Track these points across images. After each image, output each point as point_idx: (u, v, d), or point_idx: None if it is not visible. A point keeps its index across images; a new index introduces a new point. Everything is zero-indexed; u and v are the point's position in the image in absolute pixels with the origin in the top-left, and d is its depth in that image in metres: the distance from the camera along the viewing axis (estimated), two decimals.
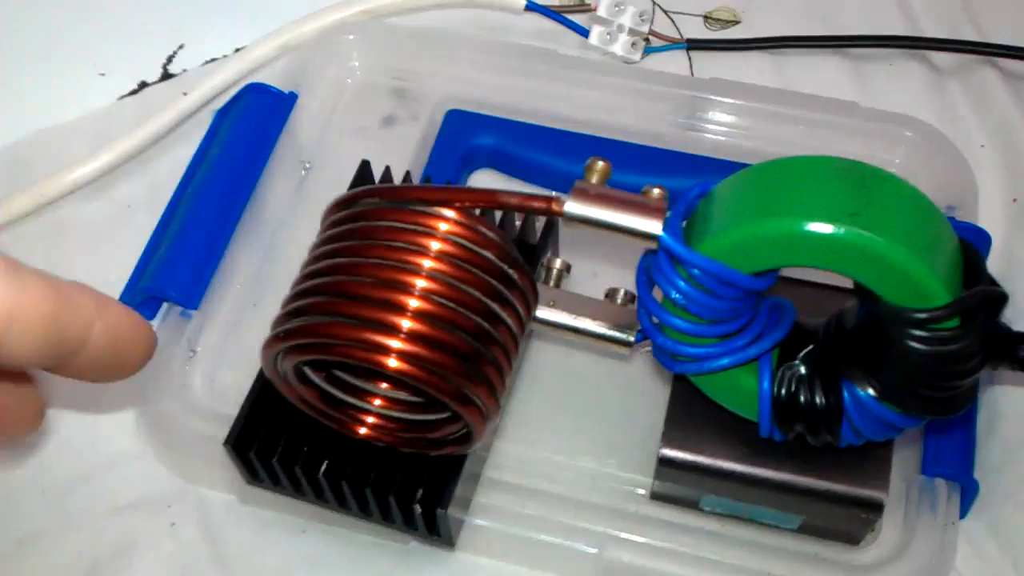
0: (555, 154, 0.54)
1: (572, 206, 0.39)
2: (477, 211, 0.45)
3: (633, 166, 0.53)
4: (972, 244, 0.37)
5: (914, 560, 0.44)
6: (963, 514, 0.47)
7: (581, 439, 0.48)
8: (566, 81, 0.56)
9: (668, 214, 0.38)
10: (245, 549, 0.47)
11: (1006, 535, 0.46)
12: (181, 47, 0.63)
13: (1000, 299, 0.36)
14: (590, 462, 0.47)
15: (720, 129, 0.55)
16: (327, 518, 0.46)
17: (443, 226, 0.38)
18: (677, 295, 0.37)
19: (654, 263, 0.38)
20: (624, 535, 0.44)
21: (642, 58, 0.61)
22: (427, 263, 0.37)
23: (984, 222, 0.52)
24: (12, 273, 0.24)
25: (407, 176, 0.48)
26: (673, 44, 0.61)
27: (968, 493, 0.46)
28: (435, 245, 0.38)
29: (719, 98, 0.56)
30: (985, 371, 0.49)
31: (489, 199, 0.39)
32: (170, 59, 0.63)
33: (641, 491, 0.46)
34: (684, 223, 0.39)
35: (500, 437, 0.47)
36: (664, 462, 0.43)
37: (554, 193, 0.39)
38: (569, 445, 0.47)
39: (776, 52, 0.61)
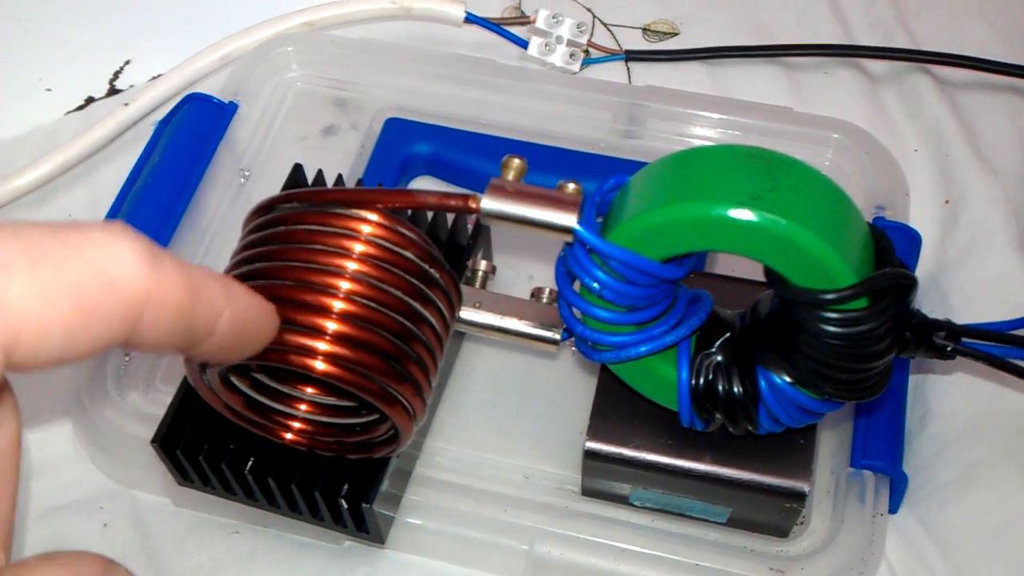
0: (493, 161, 0.54)
1: (488, 203, 0.39)
2: (408, 213, 0.45)
3: (571, 173, 0.53)
4: (884, 233, 0.38)
5: (842, 551, 0.44)
6: (895, 507, 0.47)
7: (513, 437, 0.48)
8: (504, 89, 0.57)
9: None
10: (177, 548, 0.47)
11: (937, 529, 0.47)
12: (128, 63, 0.64)
13: (908, 281, 0.37)
14: (522, 459, 0.47)
15: (657, 135, 0.56)
16: (260, 519, 0.46)
17: (363, 227, 0.38)
18: (593, 283, 0.38)
19: (571, 254, 0.39)
20: (554, 530, 0.45)
21: (581, 69, 0.61)
22: (348, 264, 0.37)
23: (917, 223, 0.53)
24: (153, 259, 0.23)
25: (339, 179, 0.48)
26: (611, 55, 0.62)
27: (897, 485, 0.46)
28: (355, 247, 0.37)
29: (656, 105, 0.56)
30: (914, 365, 0.50)
31: (407, 199, 0.39)
32: (116, 75, 0.63)
33: (572, 487, 0.46)
34: (602, 216, 0.39)
35: (432, 435, 0.48)
36: (590, 455, 0.43)
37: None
38: (501, 443, 0.48)
39: (713, 62, 0.62)
